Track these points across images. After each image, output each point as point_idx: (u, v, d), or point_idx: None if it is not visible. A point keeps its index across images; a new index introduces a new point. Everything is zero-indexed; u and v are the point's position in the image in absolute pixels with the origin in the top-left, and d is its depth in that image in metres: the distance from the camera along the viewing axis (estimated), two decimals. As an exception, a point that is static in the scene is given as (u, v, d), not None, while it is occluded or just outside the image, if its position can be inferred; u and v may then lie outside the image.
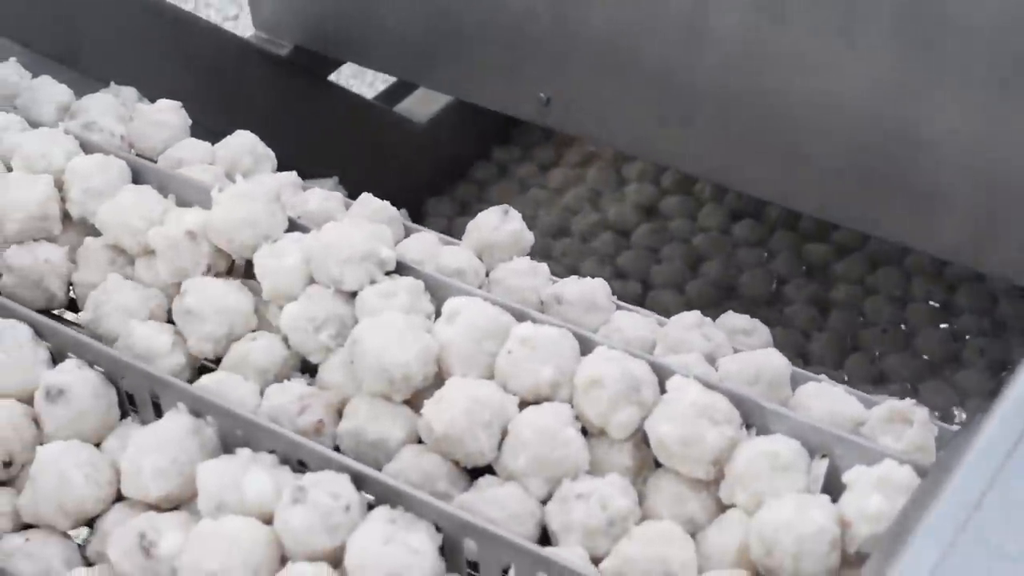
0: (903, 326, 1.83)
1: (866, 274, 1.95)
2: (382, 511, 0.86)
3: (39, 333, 0.99)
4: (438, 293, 1.01)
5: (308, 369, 1.04)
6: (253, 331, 1.04)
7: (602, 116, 1.39)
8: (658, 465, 0.93)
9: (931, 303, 1.90)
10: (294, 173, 1.19)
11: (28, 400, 0.96)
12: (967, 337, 1.81)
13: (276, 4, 1.52)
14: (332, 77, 1.69)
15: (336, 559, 0.84)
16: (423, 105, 1.92)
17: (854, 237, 2.00)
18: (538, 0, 1.35)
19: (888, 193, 1.29)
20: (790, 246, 2.00)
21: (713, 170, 1.38)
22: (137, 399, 0.97)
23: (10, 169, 1.15)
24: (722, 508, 0.91)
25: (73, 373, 0.95)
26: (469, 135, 2.01)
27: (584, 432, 0.95)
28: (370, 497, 0.88)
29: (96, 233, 1.11)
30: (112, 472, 0.93)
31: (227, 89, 1.52)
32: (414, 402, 0.97)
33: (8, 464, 0.94)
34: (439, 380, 0.97)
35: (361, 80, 2.03)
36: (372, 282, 1.01)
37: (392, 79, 1.89)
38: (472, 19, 1.41)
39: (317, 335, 1.01)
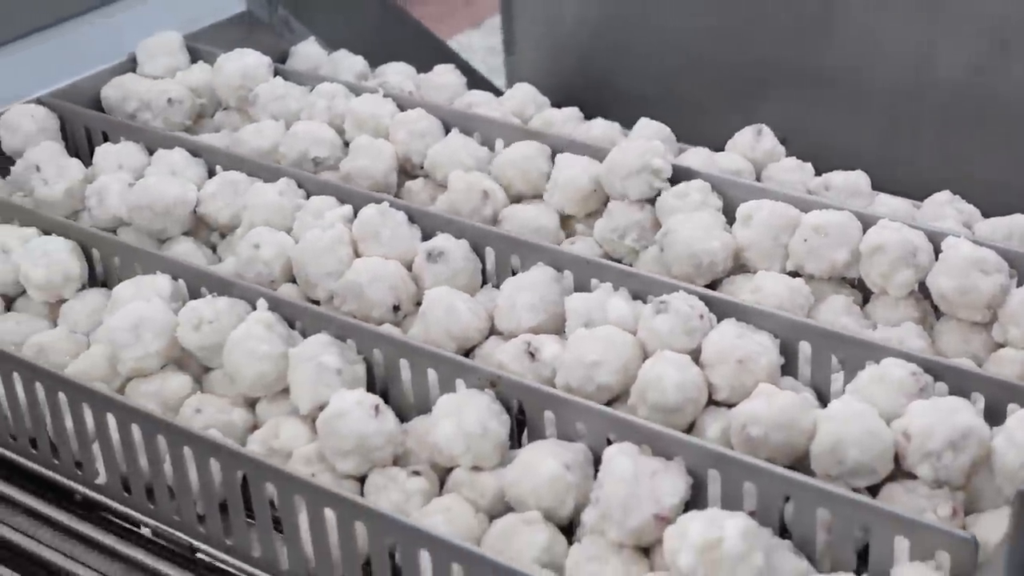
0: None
1: None
2: (730, 320, 1.05)
3: (411, 218, 1.20)
4: (723, 190, 1.21)
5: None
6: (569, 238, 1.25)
7: (832, 149, 1.55)
8: (938, 316, 1.12)
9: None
10: (576, 108, 1.41)
11: (407, 267, 1.17)
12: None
13: (531, 68, 1.73)
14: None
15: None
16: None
17: None
18: (780, 45, 1.53)
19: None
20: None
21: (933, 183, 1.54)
22: (500, 263, 1.17)
23: (342, 130, 1.37)
24: (996, 346, 1.09)
25: (449, 240, 1.16)
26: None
27: (867, 295, 1.14)
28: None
29: (412, 176, 1.34)
30: (486, 313, 1.12)
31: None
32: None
33: (397, 308, 1.14)
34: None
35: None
36: (652, 188, 1.21)
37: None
38: (709, 67, 1.60)
39: (623, 241, 1.22)
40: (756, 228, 1.17)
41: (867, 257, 1.12)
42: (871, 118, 1.52)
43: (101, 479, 1.07)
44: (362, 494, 1.00)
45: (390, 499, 0.99)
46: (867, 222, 1.14)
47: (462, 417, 0.98)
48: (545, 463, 0.95)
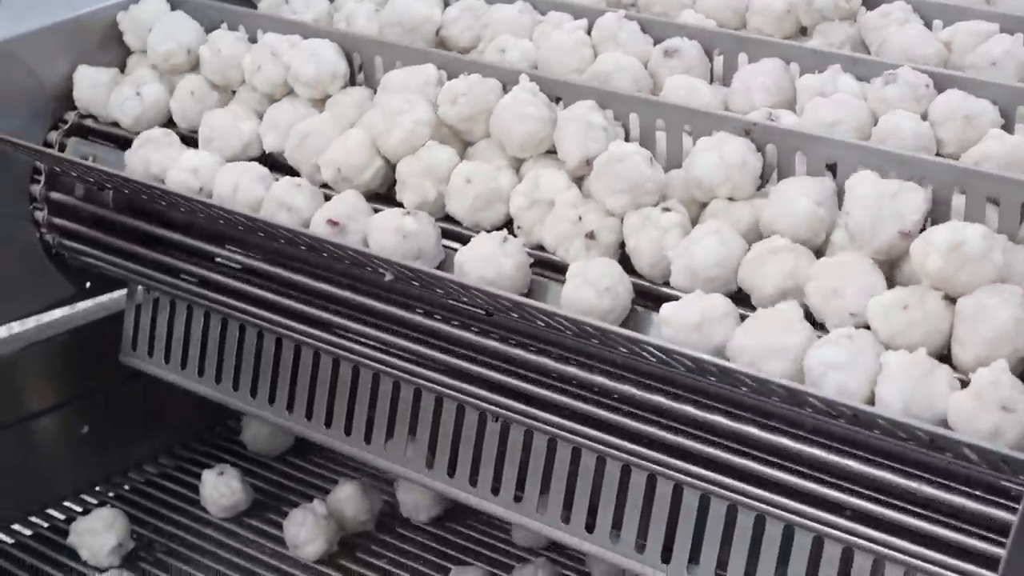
0: None
1: None
2: (953, 88, 1.17)
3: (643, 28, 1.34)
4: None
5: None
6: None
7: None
8: None
9: None
10: None
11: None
12: None
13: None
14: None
15: (918, 124, 1.15)
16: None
17: None
18: None
19: None
20: None
21: None
22: (728, 62, 1.31)
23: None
24: None
25: (683, 40, 1.30)
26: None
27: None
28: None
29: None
30: (722, 97, 1.26)
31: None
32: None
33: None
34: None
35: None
36: (838, 8, 1.33)
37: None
38: None
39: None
40: (957, 52, 1.28)
41: None
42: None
43: (389, 277, 1.21)
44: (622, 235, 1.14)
45: (649, 237, 1.11)
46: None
47: (723, 151, 1.10)
48: (799, 202, 1.07)
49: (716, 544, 1.16)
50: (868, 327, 1.00)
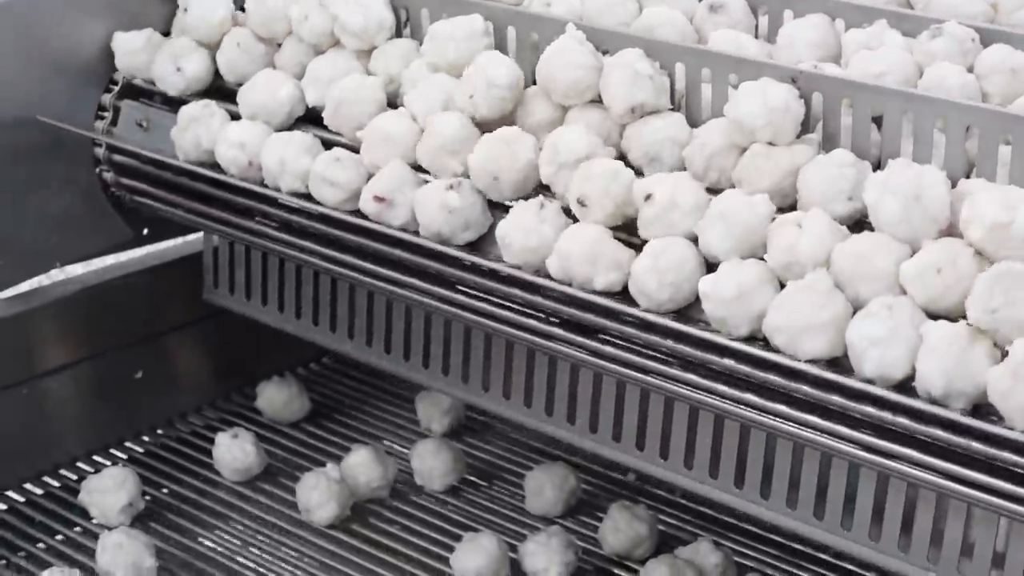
0: None
1: None
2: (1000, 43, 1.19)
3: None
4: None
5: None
6: None
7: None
8: None
9: None
10: None
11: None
12: None
13: None
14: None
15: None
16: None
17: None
18: None
19: None
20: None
21: None
22: (772, 19, 1.32)
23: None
24: None
25: (730, -2, 1.31)
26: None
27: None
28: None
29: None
30: (767, 53, 1.26)
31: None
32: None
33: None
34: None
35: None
36: None
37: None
38: None
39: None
40: (1003, 12, 1.30)
41: None
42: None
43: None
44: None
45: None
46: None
47: (767, 95, 1.11)
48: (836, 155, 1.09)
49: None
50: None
